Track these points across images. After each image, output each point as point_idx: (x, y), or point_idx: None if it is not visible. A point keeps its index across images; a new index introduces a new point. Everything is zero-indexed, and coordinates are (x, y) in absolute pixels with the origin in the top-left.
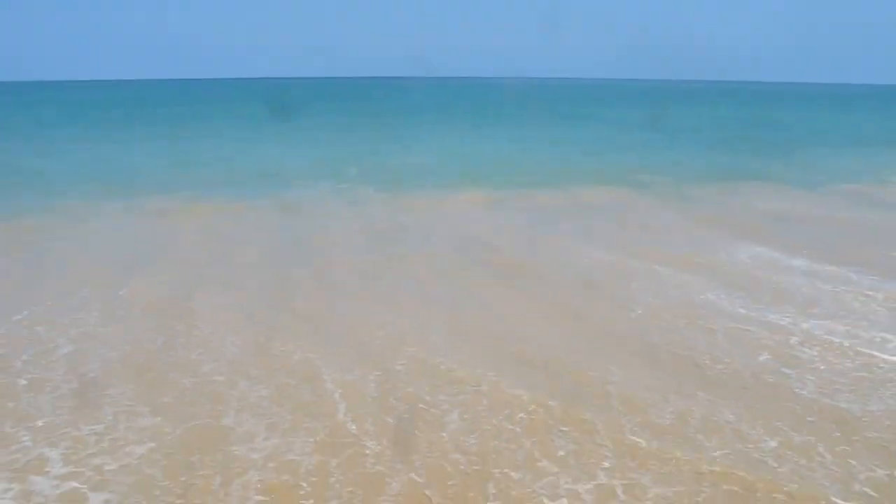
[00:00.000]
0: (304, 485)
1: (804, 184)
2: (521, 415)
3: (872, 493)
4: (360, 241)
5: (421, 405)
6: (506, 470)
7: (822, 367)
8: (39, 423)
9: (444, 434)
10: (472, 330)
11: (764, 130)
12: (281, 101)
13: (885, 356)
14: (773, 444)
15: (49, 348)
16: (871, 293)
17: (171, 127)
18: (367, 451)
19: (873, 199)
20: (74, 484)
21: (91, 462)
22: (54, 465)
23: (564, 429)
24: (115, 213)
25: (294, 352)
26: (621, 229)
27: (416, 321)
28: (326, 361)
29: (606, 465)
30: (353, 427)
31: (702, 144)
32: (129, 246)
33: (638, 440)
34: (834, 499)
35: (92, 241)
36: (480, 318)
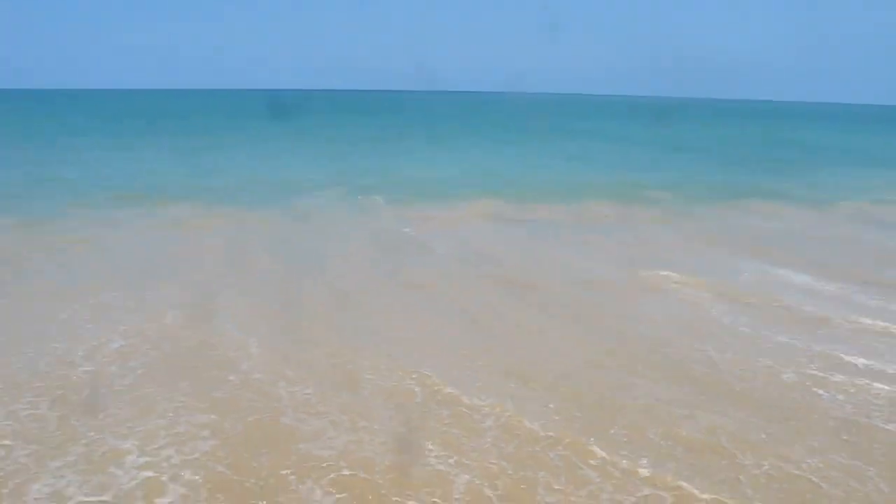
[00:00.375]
0: (380, 481)
1: (807, 201)
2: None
3: None
4: (372, 252)
5: (461, 408)
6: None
7: (844, 388)
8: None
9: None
10: (487, 347)
11: (770, 148)
12: (287, 111)
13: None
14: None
15: (100, 343)
16: (873, 313)
17: (187, 137)
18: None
19: (873, 217)
20: (150, 474)
21: (163, 454)
22: (130, 456)
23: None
24: (135, 221)
25: (321, 357)
26: (626, 245)
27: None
28: (358, 366)
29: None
30: (403, 430)
31: (708, 161)
32: (151, 252)
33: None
34: None
35: (117, 248)
36: (495, 334)
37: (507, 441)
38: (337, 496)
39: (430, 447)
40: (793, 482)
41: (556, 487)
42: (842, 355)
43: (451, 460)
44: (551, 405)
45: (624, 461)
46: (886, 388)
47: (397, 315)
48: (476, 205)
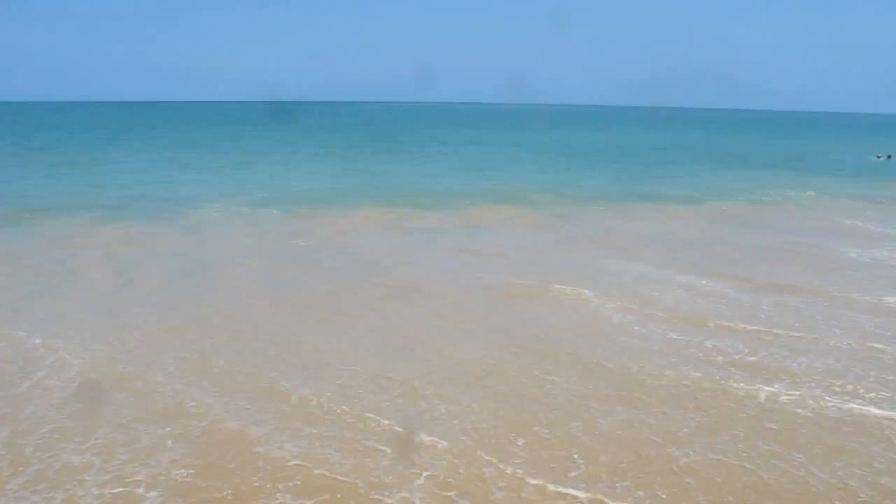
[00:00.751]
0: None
1: (686, 203)
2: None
3: None
4: (262, 265)
5: (423, 403)
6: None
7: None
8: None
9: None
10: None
11: (664, 153)
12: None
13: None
14: None
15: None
16: (750, 310)
17: (66, 152)
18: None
19: (747, 218)
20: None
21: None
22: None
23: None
24: (13, 240)
25: (238, 368)
26: (511, 250)
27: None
28: (272, 378)
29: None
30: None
31: (603, 166)
32: (37, 270)
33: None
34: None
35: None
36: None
37: (434, 447)
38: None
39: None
40: (728, 469)
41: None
42: (731, 351)
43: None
44: (475, 405)
45: (552, 460)
46: (787, 379)
47: (294, 329)
48: (369, 214)
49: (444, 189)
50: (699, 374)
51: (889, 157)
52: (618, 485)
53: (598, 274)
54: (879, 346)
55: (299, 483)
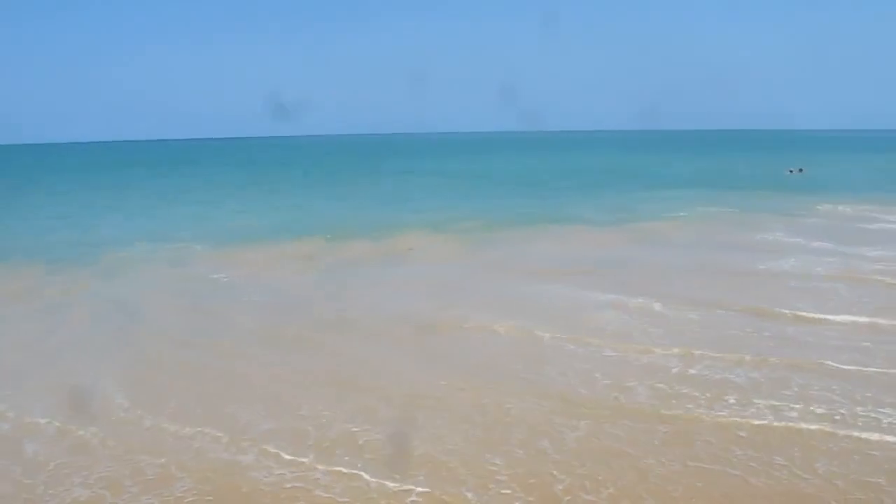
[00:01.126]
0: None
1: (598, 224)
2: None
3: None
4: (182, 302)
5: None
6: None
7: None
8: None
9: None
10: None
11: (581, 175)
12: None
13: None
14: None
15: None
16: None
17: None
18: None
19: (663, 236)
20: None
21: None
22: None
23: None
24: None
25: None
26: (429, 277)
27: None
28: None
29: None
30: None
31: (520, 192)
32: None
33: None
34: None
35: None
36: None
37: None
38: None
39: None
40: (708, 477)
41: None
42: (670, 366)
43: None
44: (442, 430)
45: (530, 475)
46: (733, 391)
47: (214, 368)
48: (292, 248)
49: (369, 221)
50: (649, 390)
51: (801, 170)
52: (603, 492)
53: (525, 299)
54: (807, 356)
55: None
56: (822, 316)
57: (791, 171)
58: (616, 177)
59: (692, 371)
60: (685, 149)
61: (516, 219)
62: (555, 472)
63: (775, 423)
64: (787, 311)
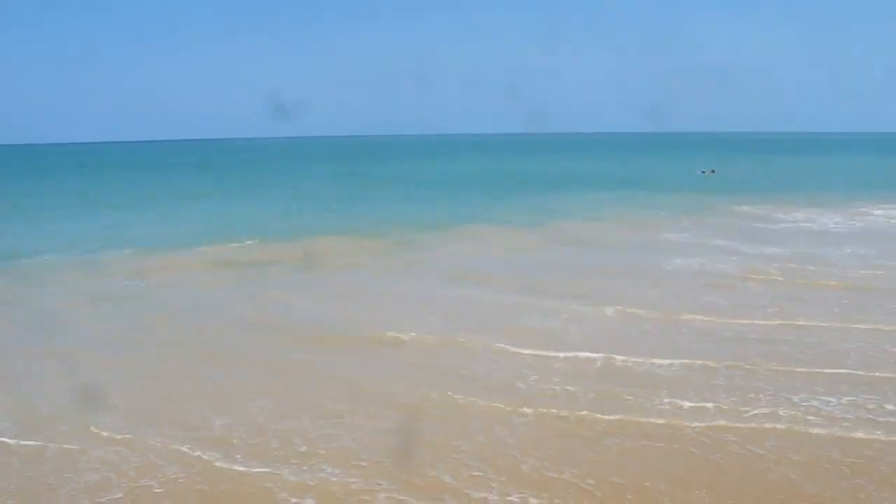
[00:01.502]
0: None
1: (517, 224)
2: None
3: None
4: (103, 309)
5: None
6: None
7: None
8: None
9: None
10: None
11: (513, 178)
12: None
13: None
14: None
15: None
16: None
17: None
18: None
19: (577, 238)
20: None
21: None
22: None
23: None
24: None
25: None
26: (347, 284)
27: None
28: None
29: None
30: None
31: (445, 195)
32: None
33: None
34: None
35: None
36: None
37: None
38: None
39: None
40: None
41: None
42: (585, 368)
43: None
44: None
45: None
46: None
47: (138, 372)
48: (209, 254)
49: (294, 226)
50: (596, 390)
51: (713, 171)
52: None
53: (451, 303)
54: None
55: None
56: (715, 318)
57: (703, 173)
58: (552, 179)
59: (610, 373)
60: (641, 151)
61: (443, 222)
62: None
63: (686, 423)
64: (692, 316)
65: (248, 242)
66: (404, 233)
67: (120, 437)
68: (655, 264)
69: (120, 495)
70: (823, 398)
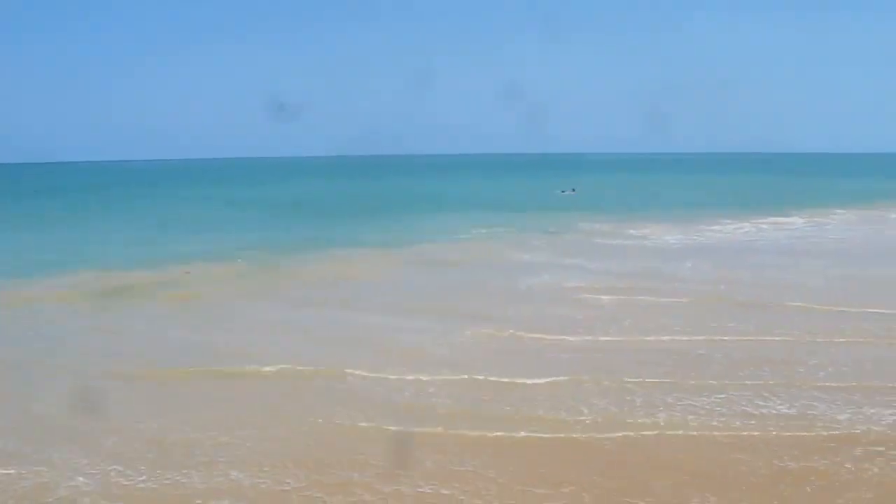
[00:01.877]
0: None
1: (383, 246)
2: None
3: None
4: None
5: None
6: None
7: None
8: None
9: None
10: None
11: (375, 201)
12: None
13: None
14: None
15: None
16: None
17: None
18: None
19: (436, 259)
20: None
21: None
22: None
23: None
24: None
25: None
26: (208, 314)
27: None
28: None
29: None
30: None
31: (304, 216)
32: None
33: None
34: None
35: None
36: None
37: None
38: None
39: None
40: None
41: None
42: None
43: None
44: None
45: None
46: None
47: None
48: (60, 282)
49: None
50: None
51: (573, 190)
52: None
53: (323, 326)
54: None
55: None
56: (561, 338)
57: (564, 192)
58: (414, 201)
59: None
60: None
61: (301, 245)
62: None
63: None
64: (547, 336)
65: (101, 269)
66: (267, 256)
67: None
68: (510, 284)
69: None
70: (689, 402)
